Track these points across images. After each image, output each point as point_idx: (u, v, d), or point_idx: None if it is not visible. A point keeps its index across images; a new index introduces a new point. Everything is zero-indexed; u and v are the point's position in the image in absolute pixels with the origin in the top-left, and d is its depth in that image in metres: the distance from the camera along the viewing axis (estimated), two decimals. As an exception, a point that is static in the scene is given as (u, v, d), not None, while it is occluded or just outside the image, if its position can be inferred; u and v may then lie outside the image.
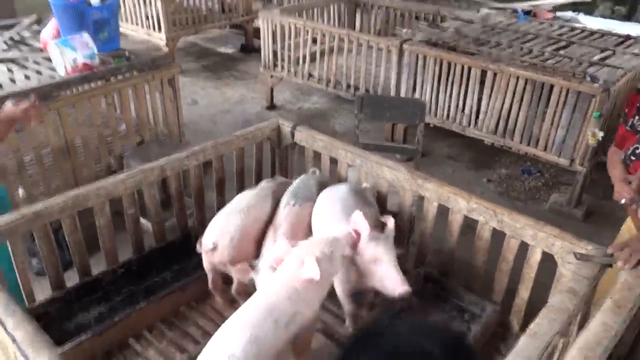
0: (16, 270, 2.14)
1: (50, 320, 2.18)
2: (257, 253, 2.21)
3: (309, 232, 2.28)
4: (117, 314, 2.23)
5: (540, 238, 2.01)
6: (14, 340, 1.47)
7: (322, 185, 2.42)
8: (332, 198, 2.27)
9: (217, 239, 2.16)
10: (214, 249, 2.16)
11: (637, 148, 1.96)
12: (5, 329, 1.50)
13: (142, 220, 2.61)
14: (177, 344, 2.21)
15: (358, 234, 1.97)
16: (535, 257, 2.08)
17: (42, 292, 2.40)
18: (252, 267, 2.05)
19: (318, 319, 2.02)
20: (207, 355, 1.62)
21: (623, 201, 1.96)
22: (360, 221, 1.98)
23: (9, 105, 2.19)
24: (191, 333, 2.27)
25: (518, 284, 2.20)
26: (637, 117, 1.97)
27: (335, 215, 2.16)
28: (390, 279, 1.89)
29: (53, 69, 3.26)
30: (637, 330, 2.02)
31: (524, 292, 2.17)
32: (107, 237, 2.38)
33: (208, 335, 2.21)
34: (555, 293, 1.94)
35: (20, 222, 2.03)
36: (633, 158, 1.97)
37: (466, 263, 2.39)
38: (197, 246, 2.23)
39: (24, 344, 1.45)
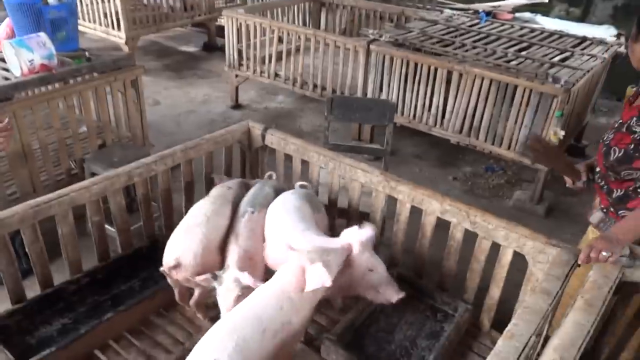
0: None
1: (10, 335, 2.08)
2: (221, 262, 2.15)
3: None
4: (82, 325, 2.16)
5: (512, 239, 2.05)
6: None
7: (277, 191, 2.41)
8: (287, 207, 2.26)
9: (179, 255, 2.10)
10: (177, 266, 2.09)
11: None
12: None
13: (107, 227, 2.51)
14: (148, 354, 2.14)
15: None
16: (506, 258, 2.11)
17: (0, 303, 2.26)
18: (215, 277, 2.00)
19: (303, 332, 2.00)
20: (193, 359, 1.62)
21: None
22: (354, 232, 2.01)
23: None
24: (161, 342, 2.20)
25: (489, 282, 2.23)
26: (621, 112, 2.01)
27: (296, 225, 2.14)
28: (386, 287, 2.01)
29: (7, 70, 3.10)
30: (601, 325, 2.08)
31: (495, 292, 2.21)
32: (71, 246, 2.28)
33: (179, 343, 2.17)
34: (528, 292, 1.99)
35: (-23, 233, 1.92)
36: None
37: (439, 263, 2.41)
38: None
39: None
